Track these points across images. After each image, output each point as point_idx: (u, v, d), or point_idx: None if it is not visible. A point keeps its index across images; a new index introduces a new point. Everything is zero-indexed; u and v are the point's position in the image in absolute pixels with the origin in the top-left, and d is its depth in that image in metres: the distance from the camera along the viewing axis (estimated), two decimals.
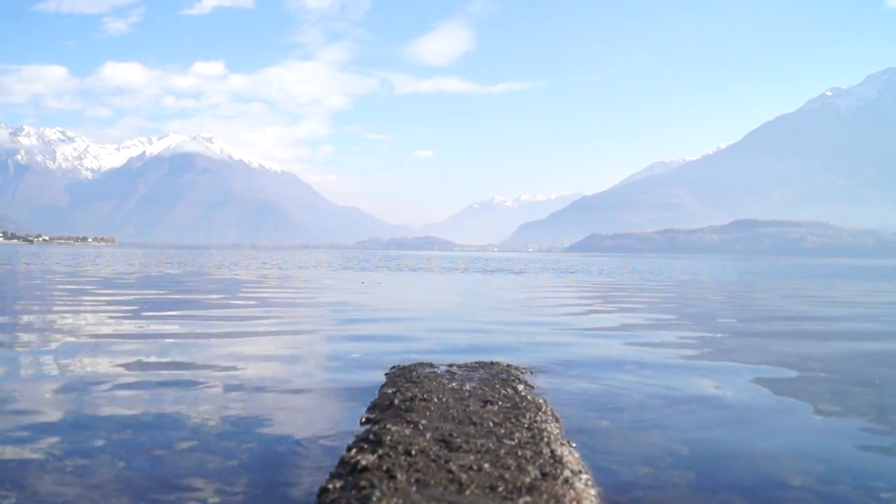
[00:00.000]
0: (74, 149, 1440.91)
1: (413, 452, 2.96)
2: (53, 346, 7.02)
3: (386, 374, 5.17)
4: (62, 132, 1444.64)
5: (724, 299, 16.80)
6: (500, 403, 4.02)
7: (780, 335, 9.02)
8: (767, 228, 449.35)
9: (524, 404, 4.05)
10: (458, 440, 3.16)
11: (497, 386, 4.58)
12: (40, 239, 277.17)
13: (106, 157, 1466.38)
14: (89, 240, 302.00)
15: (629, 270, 40.01)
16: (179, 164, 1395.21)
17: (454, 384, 4.59)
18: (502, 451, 3.03)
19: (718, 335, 8.92)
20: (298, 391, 4.95)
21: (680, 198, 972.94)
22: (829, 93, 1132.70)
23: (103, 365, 5.93)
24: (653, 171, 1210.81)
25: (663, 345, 7.84)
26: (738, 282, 27.06)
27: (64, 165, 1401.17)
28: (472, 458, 2.92)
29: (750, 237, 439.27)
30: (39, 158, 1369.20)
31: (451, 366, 5.41)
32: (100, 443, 3.56)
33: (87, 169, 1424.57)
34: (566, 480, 2.72)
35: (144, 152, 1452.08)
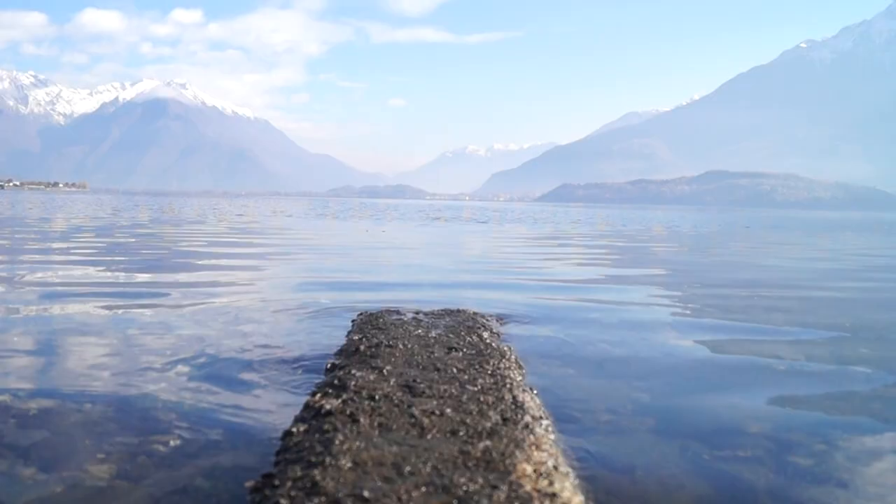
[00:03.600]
0: (47, 93, 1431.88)
1: (377, 397, 2.99)
2: (20, 292, 7.02)
3: (353, 321, 5.20)
4: (35, 76, 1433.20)
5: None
6: (464, 350, 4.05)
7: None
8: (739, 180, 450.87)
9: (489, 351, 4.09)
10: (422, 386, 3.19)
11: (462, 333, 4.61)
12: (11, 184, 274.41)
13: (79, 102, 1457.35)
14: (61, 185, 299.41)
15: (605, 223, 40.05)
16: (153, 110, 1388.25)
17: (420, 331, 4.62)
18: (465, 397, 3.06)
19: (700, 290, 8.96)
20: (266, 336, 4.97)
21: (653, 148, 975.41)
22: (803, 45, 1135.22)
23: (71, 306, 5.94)
24: (626, 122, 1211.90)
25: (632, 297, 7.90)
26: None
27: (36, 110, 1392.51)
28: (434, 403, 2.95)
29: (721, 188, 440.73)
30: (11, 103, 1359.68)
31: (417, 313, 5.43)
32: (63, 385, 3.58)
33: (59, 114, 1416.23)
34: (526, 426, 2.75)
35: (117, 98, 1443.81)
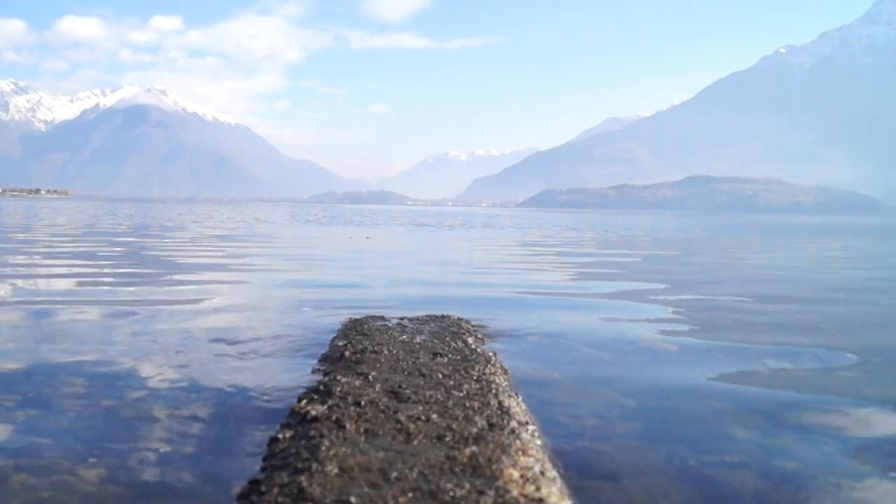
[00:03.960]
0: (28, 100, 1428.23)
1: (362, 403, 2.99)
2: (5, 298, 6.99)
3: (338, 327, 5.19)
4: (15, 83, 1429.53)
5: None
6: (449, 356, 4.06)
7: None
8: (720, 185, 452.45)
9: (474, 357, 4.09)
10: (408, 391, 3.19)
11: (447, 339, 4.61)
12: None
13: (59, 108, 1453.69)
14: (43, 192, 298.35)
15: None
16: (133, 117, 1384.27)
17: (405, 337, 4.63)
18: (450, 403, 3.06)
19: (690, 298, 8.97)
20: (251, 343, 4.96)
21: (634, 153, 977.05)
22: (783, 50, 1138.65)
23: (57, 316, 5.93)
24: (607, 127, 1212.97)
25: (619, 305, 7.91)
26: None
27: (17, 117, 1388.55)
28: (420, 408, 2.95)
29: (703, 193, 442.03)
30: None
31: (402, 319, 5.45)
32: (50, 394, 3.57)
33: (40, 121, 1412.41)
34: (513, 431, 2.76)
35: (98, 104, 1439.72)
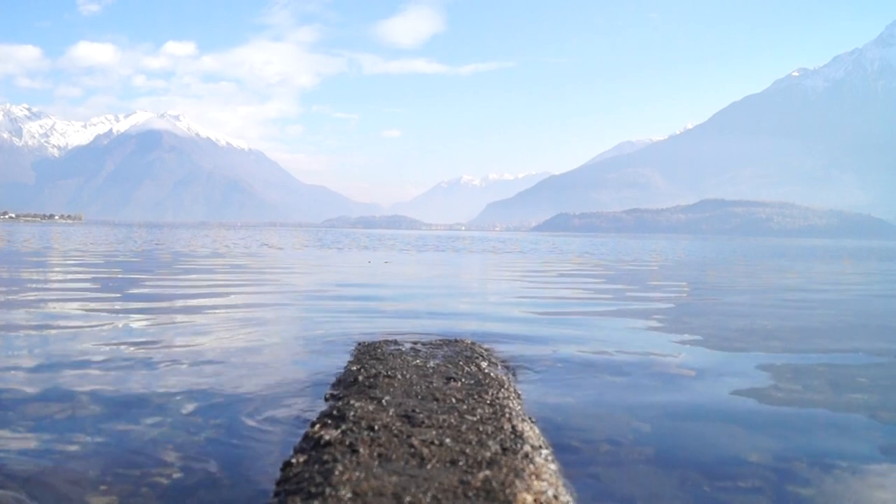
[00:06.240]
0: (41, 126, 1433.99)
1: (376, 428, 2.99)
2: (19, 324, 7.00)
3: (351, 352, 5.19)
4: (28, 109, 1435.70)
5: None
6: (463, 380, 4.05)
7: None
8: (734, 208, 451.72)
9: (487, 381, 4.09)
10: (421, 416, 3.19)
11: (461, 363, 4.61)
12: (6, 216, 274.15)
13: (73, 134, 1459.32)
14: (56, 217, 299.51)
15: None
16: (147, 142, 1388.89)
17: (418, 361, 4.63)
18: (464, 427, 3.06)
19: (702, 322, 8.95)
20: (264, 367, 4.96)
21: (647, 177, 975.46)
22: (796, 73, 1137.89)
23: (71, 342, 5.93)
24: (620, 151, 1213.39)
25: (633, 329, 7.90)
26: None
27: (31, 143, 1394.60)
28: (434, 433, 2.95)
29: (717, 217, 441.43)
30: (6, 135, 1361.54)
31: (415, 343, 5.44)
32: (66, 418, 3.57)
33: (53, 146, 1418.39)
34: (526, 455, 2.75)
35: (111, 129, 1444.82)
